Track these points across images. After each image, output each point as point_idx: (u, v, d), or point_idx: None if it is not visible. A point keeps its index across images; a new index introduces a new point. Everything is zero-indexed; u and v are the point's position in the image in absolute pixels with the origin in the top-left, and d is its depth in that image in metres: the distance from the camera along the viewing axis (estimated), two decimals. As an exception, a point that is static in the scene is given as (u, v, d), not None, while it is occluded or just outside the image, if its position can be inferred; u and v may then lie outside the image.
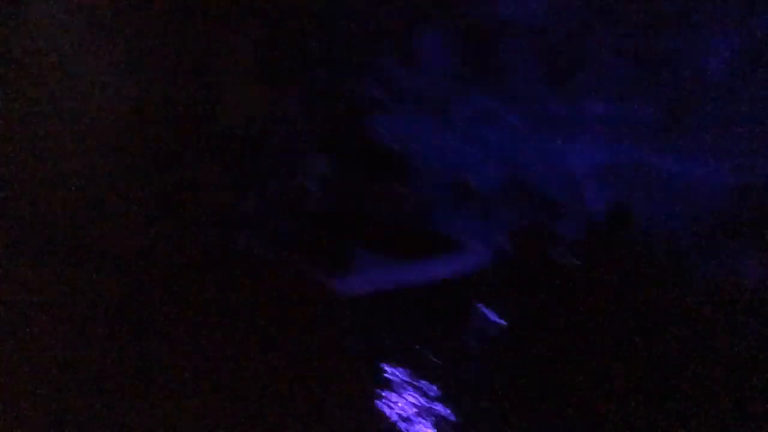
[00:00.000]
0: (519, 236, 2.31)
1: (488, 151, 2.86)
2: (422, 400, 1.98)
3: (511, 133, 2.92)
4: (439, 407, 2.02)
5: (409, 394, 1.95)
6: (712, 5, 2.72)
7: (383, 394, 1.91)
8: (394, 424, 1.91)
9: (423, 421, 1.96)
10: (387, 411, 1.92)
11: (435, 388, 2.01)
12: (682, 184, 2.55)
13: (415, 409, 1.96)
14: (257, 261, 0.52)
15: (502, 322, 2.14)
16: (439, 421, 1.99)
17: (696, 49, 2.72)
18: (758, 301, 2.15)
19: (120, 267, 0.44)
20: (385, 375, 1.79)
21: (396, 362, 1.81)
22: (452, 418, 1.99)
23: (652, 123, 2.63)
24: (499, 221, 2.54)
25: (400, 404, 1.90)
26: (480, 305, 2.12)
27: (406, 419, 1.91)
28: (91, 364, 0.43)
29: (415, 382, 1.91)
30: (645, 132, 2.63)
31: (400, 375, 1.84)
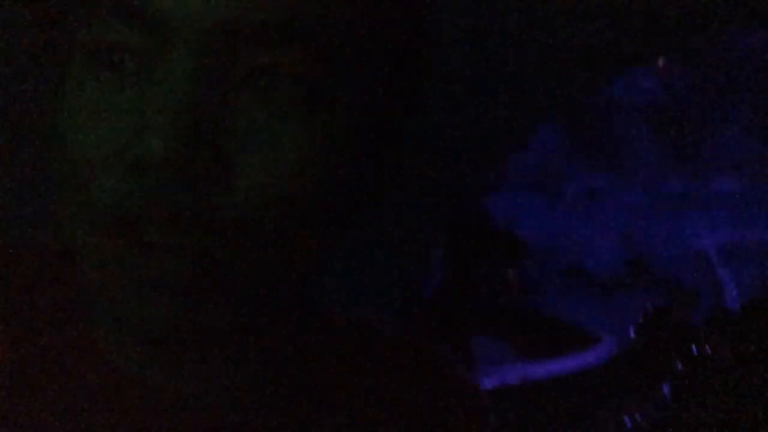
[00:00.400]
0: (647, 324, 2.16)
1: (604, 232, 2.74)
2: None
3: (626, 213, 2.79)
4: None
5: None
6: None
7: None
8: None
9: None
10: None
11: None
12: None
13: None
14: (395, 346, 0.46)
15: (636, 417, 1.99)
16: None
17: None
18: None
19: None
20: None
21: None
22: None
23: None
24: (622, 306, 2.39)
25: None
26: (610, 400, 1.97)
27: None
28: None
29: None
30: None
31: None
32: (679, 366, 2.10)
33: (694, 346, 2.17)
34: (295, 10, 0.40)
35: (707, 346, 2.18)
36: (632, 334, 2.19)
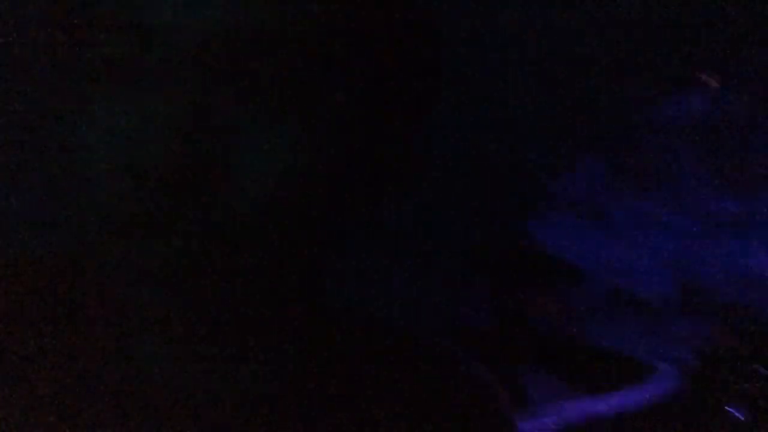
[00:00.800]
0: (707, 353, 2.07)
1: (655, 256, 2.65)
2: None
3: (678, 236, 2.71)
4: None
5: None
6: None
7: None
8: None
9: None
10: None
11: None
12: None
13: None
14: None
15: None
16: None
17: None
18: None
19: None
20: None
21: None
22: None
23: None
24: (678, 334, 2.30)
25: None
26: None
27: None
28: None
29: None
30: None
31: None
32: (747, 390, 2.00)
33: (760, 369, 2.07)
34: (288, 17, 0.40)
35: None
36: (691, 362, 2.09)
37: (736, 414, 1.87)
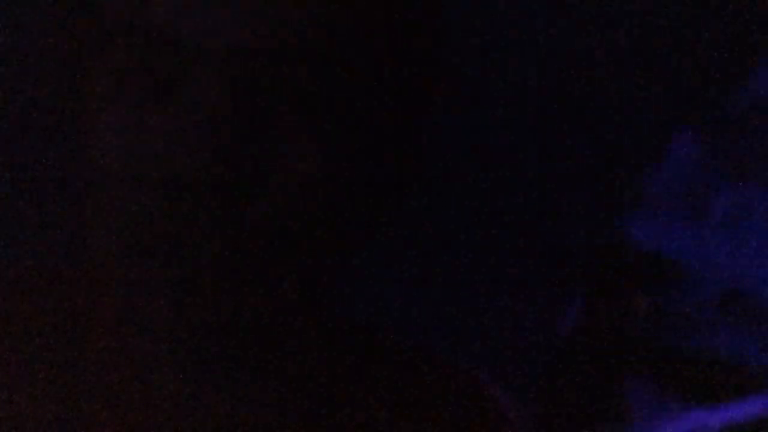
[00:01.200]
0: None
1: (763, 251, 2.47)
2: None
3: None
4: None
5: None
6: None
7: None
8: None
9: None
10: None
11: None
12: None
13: None
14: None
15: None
16: None
17: None
18: None
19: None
20: None
21: None
22: None
23: None
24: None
25: None
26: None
27: None
28: None
29: None
30: None
31: None
32: None
33: None
34: (311, 31, 0.43)
35: None
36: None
37: None
